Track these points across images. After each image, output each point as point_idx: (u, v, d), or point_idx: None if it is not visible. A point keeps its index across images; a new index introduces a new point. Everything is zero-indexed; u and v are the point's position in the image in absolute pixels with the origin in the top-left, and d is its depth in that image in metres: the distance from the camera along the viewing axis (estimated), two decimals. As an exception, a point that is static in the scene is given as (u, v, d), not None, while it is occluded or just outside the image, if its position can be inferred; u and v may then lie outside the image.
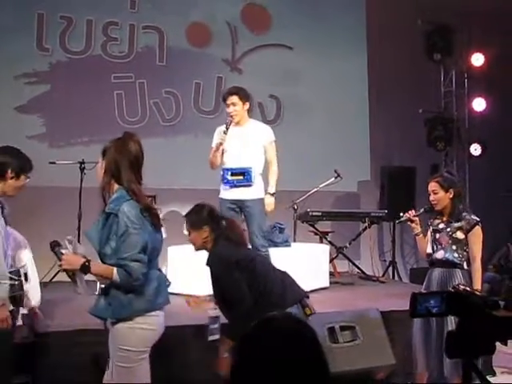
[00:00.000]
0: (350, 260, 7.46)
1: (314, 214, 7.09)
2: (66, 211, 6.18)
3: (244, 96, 5.08)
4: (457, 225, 4.10)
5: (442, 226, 4.16)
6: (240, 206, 5.12)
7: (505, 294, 6.77)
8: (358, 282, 6.99)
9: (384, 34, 8.33)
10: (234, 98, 5.04)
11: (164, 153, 7.65)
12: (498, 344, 1.54)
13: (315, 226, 7.24)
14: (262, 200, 5.18)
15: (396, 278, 7.88)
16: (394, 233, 8.21)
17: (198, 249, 3.85)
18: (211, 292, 5.65)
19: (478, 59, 8.70)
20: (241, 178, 5.06)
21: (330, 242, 7.26)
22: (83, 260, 2.81)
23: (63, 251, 2.90)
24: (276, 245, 6.15)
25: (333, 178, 7.00)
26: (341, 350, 3.74)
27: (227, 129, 5.04)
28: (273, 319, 1.52)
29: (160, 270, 3.09)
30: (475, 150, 8.67)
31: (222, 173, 5.13)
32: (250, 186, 5.08)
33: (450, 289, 1.60)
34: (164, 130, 7.82)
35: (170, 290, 4.73)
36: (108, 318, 2.92)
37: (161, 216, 3.09)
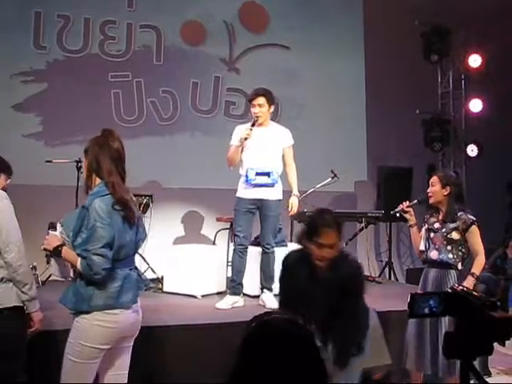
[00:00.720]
0: (346, 260, 7.45)
1: (310, 214, 7.07)
2: (63, 210, 6.12)
3: (270, 99, 5.14)
4: (452, 225, 4.11)
5: (437, 225, 4.18)
6: (259, 205, 5.14)
7: (500, 294, 6.79)
8: (355, 282, 6.97)
9: (381, 34, 8.34)
10: (262, 100, 5.07)
11: (161, 152, 7.65)
12: (495, 344, 1.55)
13: (312, 226, 7.23)
14: (280, 202, 5.28)
15: (392, 278, 7.89)
16: (391, 233, 8.22)
17: None
18: (208, 291, 5.68)
19: (475, 60, 8.72)
20: (265, 178, 5.09)
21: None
22: (58, 243, 2.88)
23: (51, 232, 2.97)
24: (273, 245, 6.16)
25: (329, 178, 6.99)
26: (337, 351, 3.74)
27: (253, 125, 5.06)
28: (271, 322, 1.52)
29: (135, 269, 3.07)
30: (472, 150, 8.69)
31: (245, 172, 5.10)
32: (272, 186, 5.12)
33: (448, 289, 1.60)
34: (161, 129, 7.81)
35: (169, 289, 4.75)
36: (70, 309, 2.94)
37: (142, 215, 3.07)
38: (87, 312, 2.86)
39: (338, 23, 8.61)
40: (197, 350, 4.18)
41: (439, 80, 9.00)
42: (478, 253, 4.08)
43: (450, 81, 8.94)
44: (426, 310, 1.58)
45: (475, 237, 4.10)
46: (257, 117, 5.08)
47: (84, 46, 7.55)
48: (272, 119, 8.22)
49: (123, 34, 7.72)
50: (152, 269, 6.19)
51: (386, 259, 8.11)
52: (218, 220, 7.14)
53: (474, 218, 4.12)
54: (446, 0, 8.18)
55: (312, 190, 6.91)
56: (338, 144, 8.36)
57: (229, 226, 7.17)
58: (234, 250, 5.22)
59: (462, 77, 8.88)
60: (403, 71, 8.37)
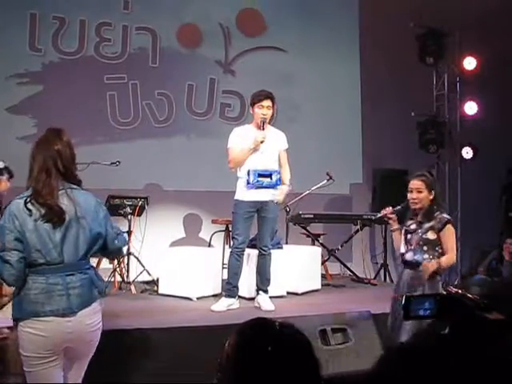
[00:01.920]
0: (341, 262, 7.47)
1: (306, 216, 7.10)
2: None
3: (275, 102, 5.20)
4: (428, 225, 4.02)
5: (413, 226, 4.11)
6: (259, 208, 5.13)
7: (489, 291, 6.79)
8: (350, 284, 7.00)
9: (377, 37, 8.36)
10: (269, 102, 5.12)
11: (157, 154, 7.65)
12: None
13: (307, 228, 7.25)
14: (279, 204, 5.30)
15: (387, 280, 7.90)
16: (386, 235, 8.22)
17: None
18: (203, 294, 5.67)
19: (470, 63, 8.74)
20: (268, 179, 5.09)
21: (321, 245, 7.27)
22: None
23: None
24: (268, 247, 6.16)
25: (325, 181, 7.00)
26: (332, 353, 3.75)
27: (264, 128, 5.08)
28: (265, 324, 1.52)
29: (85, 273, 2.82)
30: (467, 153, 8.70)
31: (245, 174, 5.08)
32: (275, 187, 5.12)
33: (443, 291, 1.60)
34: (156, 131, 7.81)
35: (164, 291, 4.75)
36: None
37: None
38: (19, 319, 2.75)
39: (334, 26, 8.62)
40: (192, 352, 4.18)
41: (434, 82, 9.02)
42: (449, 252, 3.96)
43: (445, 83, 8.95)
44: (421, 312, 1.58)
45: (449, 236, 3.99)
46: (264, 118, 5.08)
47: (79, 48, 7.54)
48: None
49: (119, 36, 7.71)
50: (147, 271, 6.18)
51: (381, 261, 8.11)
52: (214, 222, 7.13)
53: (449, 217, 4.04)
54: (442, 3, 8.20)
55: (308, 192, 6.92)
56: (334, 146, 8.37)
57: (224, 228, 7.17)
58: (231, 252, 5.21)
59: (457, 79, 8.90)
60: (398, 73, 8.39)
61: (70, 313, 2.73)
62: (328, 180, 7.00)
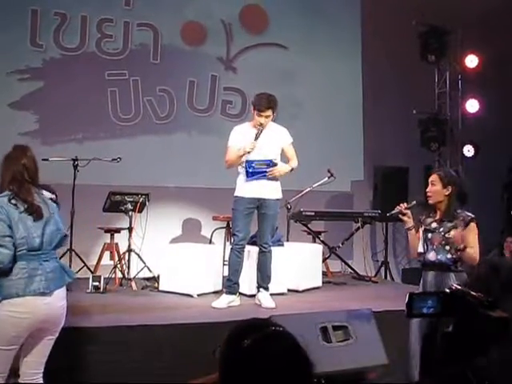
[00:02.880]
0: (342, 260, 7.47)
1: (307, 213, 7.09)
2: (59, 208, 6.15)
3: (276, 107, 5.17)
4: (450, 224, 3.95)
5: (434, 225, 4.02)
6: (258, 205, 5.12)
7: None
8: (351, 281, 7.00)
9: (379, 34, 8.34)
10: (269, 112, 5.09)
11: (157, 151, 7.64)
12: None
13: (308, 225, 7.24)
14: (279, 201, 5.28)
15: (388, 278, 7.90)
16: (387, 233, 8.23)
17: None
18: (204, 290, 5.67)
19: (472, 61, 8.73)
20: (264, 166, 5.06)
21: (322, 242, 7.26)
22: None
23: None
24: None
25: (326, 178, 6.99)
26: (333, 350, 3.74)
27: (257, 138, 5.06)
28: (254, 326, 1.52)
29: (57, 261, 3.26)
30: (468, 151, 8.70)
31: (244, 167, 5.07)
32: (269, 180, 5.08)
33: (446, 289, 1.59)
34: (157, 127, 7.80)
35: (165, 288, 4.73)
36: None
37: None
38: (1, 300, 3.08)
39: (336, 23, 8.60)
40: (193, 348, 4.17)
41: (436, 80, 9.00)
42: (475, 250, 3.90)
43: (447, 81, 8.94)
44: (425, 310, 1.58)
45: (472, 233, 3.94)
46: (261, 126, 5.08)
47: (81, 44, 7.53)
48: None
49: (120, 33, 7.70)
50: (148, 267, 6.18)
51: (382, 259, 8.12)
52: (215, 219, 7.12)
53: (473, 216, 3.97)
54: (444, 1, 8.18)
55: (309, 189, 6.91)
56: (335, 143, 8.36)
57: (225, 225, 7.16)
58: (232, 249, 5.21)
59: (459, 77, 8.88)
60: (400, 71, 8.38)
61: (48, 292, 3.12)
62: (329, 177, 6.99)
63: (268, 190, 5.12)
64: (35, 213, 3.13)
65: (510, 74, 8.53)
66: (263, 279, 5.27)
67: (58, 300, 3.20)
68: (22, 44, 7.26)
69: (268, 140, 5.14)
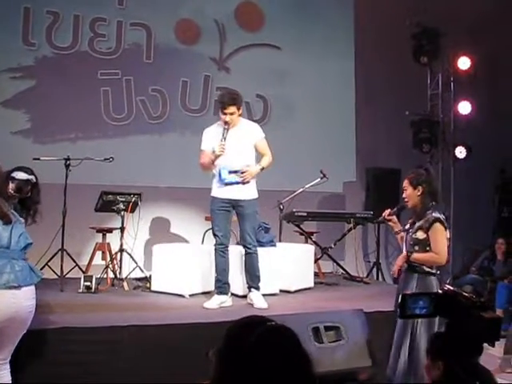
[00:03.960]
0: (334, 261, 7.47)
1: (299, 214, 7.09)
2: (51, 208, 6.11)
3: (240, 103, 5.12)
4: (418, 224, 3.94)
5: (407, 226, 4.06)
6: (234, 205, 5.12)
7: (487, 295, 6.83)
8: (343, 282, 7.00)
9: (372, 35, 8.37)
10: (232, 109, 5.03)
11: (150, 150, 7.63)
12: (485, 345, 1.55)
13: (300, 226, 7.24)
14: (255, 200, 5.23)
15: (380, 279, 7.91)
16: (379, 234, 8.24)
17: None
18: (196, 291, 5.66)
19: (464, 63, 8.76)
20: (236, 178, 5.05)
21: (315, 243, 7.26)
22: None
23: None
24: (261, 245, 6.13)
25: (318, 179, 6.99)
26: (325, 350, 3.75)
27: (225, 138, 5.03)
28: (255, 322, 1.52)
29: (25, 261, 3.39)
30: (460, 152, 8.73)
31: (217, 172, 5.08)
32: (244, 183, 5.08)
33: (439, 290, 1.59)
34: (150, 127, 7.78)
35: (157, 288, 4.73)
36: None
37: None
38: None
39: (329, 24, 8.61)
40: (184, 349, 4.17)
41: (429, 82, 9.03)
42: (437, 252, 3.84)
43: (440, 83, 8.97)
44: (417, 311, 1.58)
45: (436, 235, 3.86)
46: (227, 125, 5.06)
47: (73, 43, 7.50)
48: (262, 118, 8.31)
49: (113, 32, 7.68)
50: (140, 268, 6.16)
51: (374, 260, 8.13)
52: (207, 219, 7.11)
53: (439, 216, 3.90)
54: (437, 3, 8.21)
55: (301, 190, 6.92)
56: (327, 144, 8.36)
57: (217, 226, 7.16)
58: (215, 249, 5.19)
59: (452, 79, 8.92)
60: (393, 72, 8.40)
61: (16, 286, 3.21)
62: (321, 178, 6.99)
63: (242, 191, 5.10)
64: (4, 218, 3.27)
65: (502, 76, 8.58)
66: (252, 279, 5.26)
67: (26, 299, 3.27)
68: (14, 42, 7.23)
69: (238, 138, 5.09)
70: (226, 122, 5.05)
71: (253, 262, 5.24)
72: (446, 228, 3.91)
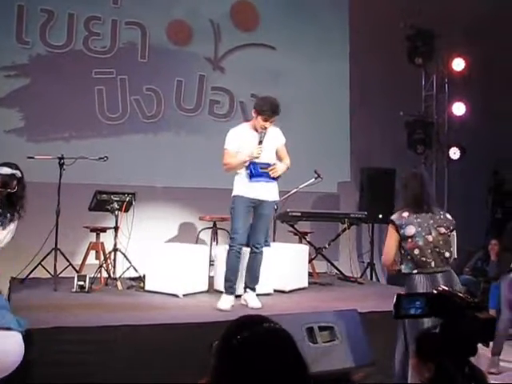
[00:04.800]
0: (328, 261, 7.47)
1: (293, 214, 7.09)
2: (44, 207, 6.11)
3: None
4: None
5: None
6: (257, 205, 5.08)
7: (480, 296, 6.85)
8: (337, 282, 7.01)
9: (367, 36, 8.37)
10: (275, 117, 5.06)
11: (144, 150, 7.61)
12: (479, 346, 1.56)
13: (295, 226, 7.24)
14: (275, 203, 5.30)
15: (374, 279, 7.92)
16: (373, 234, 8.25)
17: None
18: (190, 291, 5.65)
19: (458, 64, 8.79)
20: (266, 171, 5.04)
21: (309, 243, 7.26)
22: None
23: None
24: (255, 244, 6.15)
25: (313, 179, 6.99)
26: (319, 350, 3.75)
27: (261, 142, 5.03)
28: (250, 322, 1.52)
29: None
30: (454, 153, 8.76)
31: (248, 168, 5.03)
32: (273, 180, 5.10)
33: (434, 290, 1.60)
34: (145, 126, 7.76)
35: (151, 288, 4.72)
36: None
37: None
38: None
39: (324, 25, 8.62)
40: (178, 349, 4.16)
41: (423, 83, 9.06)
42: (383, 253, 4.00)
43: (434, 84, 9.00)
44: (412, 311, 1.58)
45: (387, 236, 4.00)
46: (265, 130, 5.05)
47: (68, 42, 7.48)
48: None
49: (108, 31, 7.66)
50: (134, 267, 6.14)
51: (368, 260, 8.14)
52: (201, 219, 7.12)
53: (392, 217, 3.97)
54: (432, 4, 8.23)
55: (295, 190, 6.91)
56: (322, 145, 8.37)
57: (212, 225, 7.16)
58: (231, 249, 5.09)
59: (446, 80, 8.95)
60: (388, 73, 8.41)
61: None
62: (316, 178, 6.99)
63: (267, 191, 5.09)
64: None
65: (496, 77, 8.61)
66: (251, 280, 5.24)
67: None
68: (8, 40, 7.19)
69: (267, 142, 5.12)
70: (265, 128, 5.03)
71: (257, 262, 5.22)
72: (397, 229, 3.91)
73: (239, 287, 5.39)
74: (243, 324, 1.51)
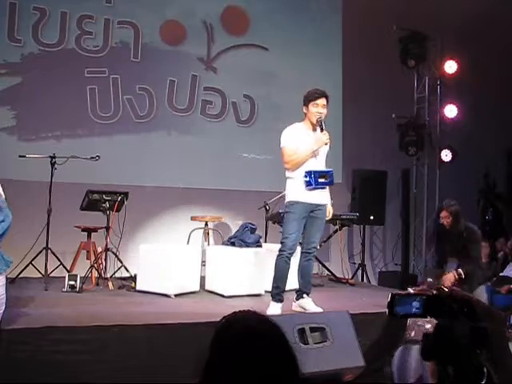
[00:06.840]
0: (320, 262, 7.48)
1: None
2: (35, 206, 6.09)
3: (329, 102, 5.05)
4: None
5: None
6: (313, 209, 5.00)
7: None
8: (328, 283, 7.02)
9: (359, 38, 8.39)
10: (325, 101, 4.98)
11: (136, 150, 7.59)
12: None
13: (286, 227, 7.23)
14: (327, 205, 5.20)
15: (365, 280, 7.94)
16: (364, 236, 8.27)
17: None
18: (181, 291, 5.64)
19: (451, 67, 8.83)
20: (325, 180, 4.98)
21: (300, 244, 7.26)
22: None
23: None
24: (247, 245, 6.15)
25: (305, 180, 6.99)
26: (310, 352, 3.74)
27: (323, 128, 4.96)
28: (237, 319, 1.52)
29: None
30: (446, 155, 8.79)
31: (305, 176, 4.93)
32: (330, 186, 5.09)
33: (434, 291, 1.59)
34: (137, 126, 7.74)
35: (142, 288, 4.70)
36: None
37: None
38: None
39: (317, 26, 8.63)
40: (169, 349, 4.15)
41: (415, 85, 9.09)
42: None
43: (426, 86, 9.04)
44: (406, 311, 1.58)
45: None
46: (321, 116, 4.97)
47: (60, 40, 7.44)
48: (249, 119, 8.31)
49: (100, 30, 7.62)
50: (125, 267, 6.13)
51: (359, 261, 8.16)
52: (193, 219, 7.11)
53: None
54: (424, 6, 8.26)
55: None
56: (314, 146, 8.36)
57: (203, 226, 7.15)
58: (281, 255, 4.95)
59: (438, 82, 8.99)
60: (380, 75, 8.43)
61: None
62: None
63: (323, 195, 5.06)
64: None
65: (488, 80, 8.65)
66: (306, 285, 5.15)
67: None
68: (-1, 38, 7.15)
69: (321, 148, 5.07)
70: (320, 113, 4.95)
71: (311, 267, 5.19)
72: None
73: (229, 288, 5.38)
74: (235, 318, 1.51)
